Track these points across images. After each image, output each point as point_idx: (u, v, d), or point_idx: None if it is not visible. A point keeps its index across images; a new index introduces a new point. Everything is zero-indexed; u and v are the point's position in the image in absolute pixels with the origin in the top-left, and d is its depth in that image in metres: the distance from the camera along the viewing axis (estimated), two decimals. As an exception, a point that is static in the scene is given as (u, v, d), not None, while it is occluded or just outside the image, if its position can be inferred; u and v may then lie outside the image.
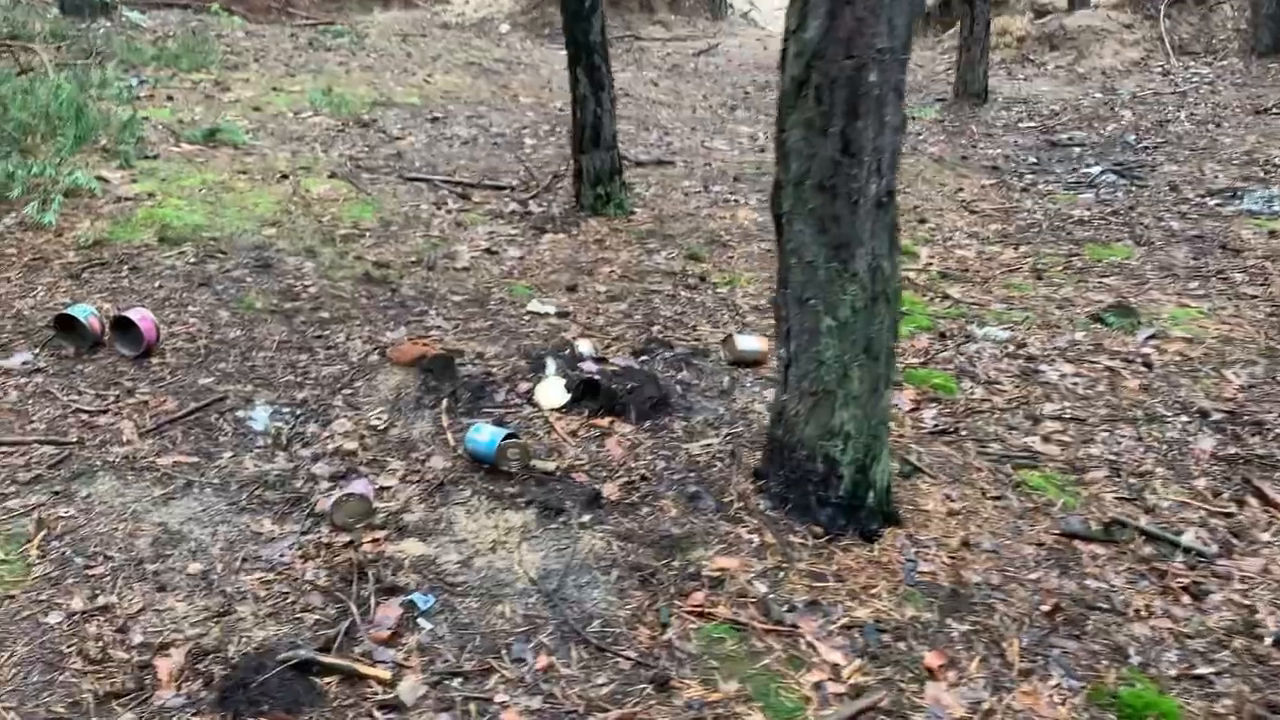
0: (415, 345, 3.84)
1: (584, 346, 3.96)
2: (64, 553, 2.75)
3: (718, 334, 4.41)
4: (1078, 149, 9.05)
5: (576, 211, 5.87)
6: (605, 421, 3.48)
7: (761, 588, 2.70)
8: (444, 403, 3.54)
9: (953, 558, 2.89)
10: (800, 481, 2.96)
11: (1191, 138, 8.79)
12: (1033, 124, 10.02)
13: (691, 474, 3.20)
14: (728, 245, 5.69)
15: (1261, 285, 5.26)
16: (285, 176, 5.94)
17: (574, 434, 3.43)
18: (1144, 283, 5.37)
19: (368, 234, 5.25)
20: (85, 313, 3.83)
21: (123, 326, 3.86)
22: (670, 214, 6.10)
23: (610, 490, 3.09)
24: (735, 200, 6.57)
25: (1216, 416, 3.89)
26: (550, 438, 3.42)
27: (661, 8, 15.43)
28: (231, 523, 2.95)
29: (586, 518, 2.94)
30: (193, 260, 4.64)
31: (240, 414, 3.52)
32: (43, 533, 2.82)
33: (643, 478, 3.17)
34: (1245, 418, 3.89)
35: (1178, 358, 4.39)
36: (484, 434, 3.17)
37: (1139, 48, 13.37)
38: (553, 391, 3.59)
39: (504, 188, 6.31)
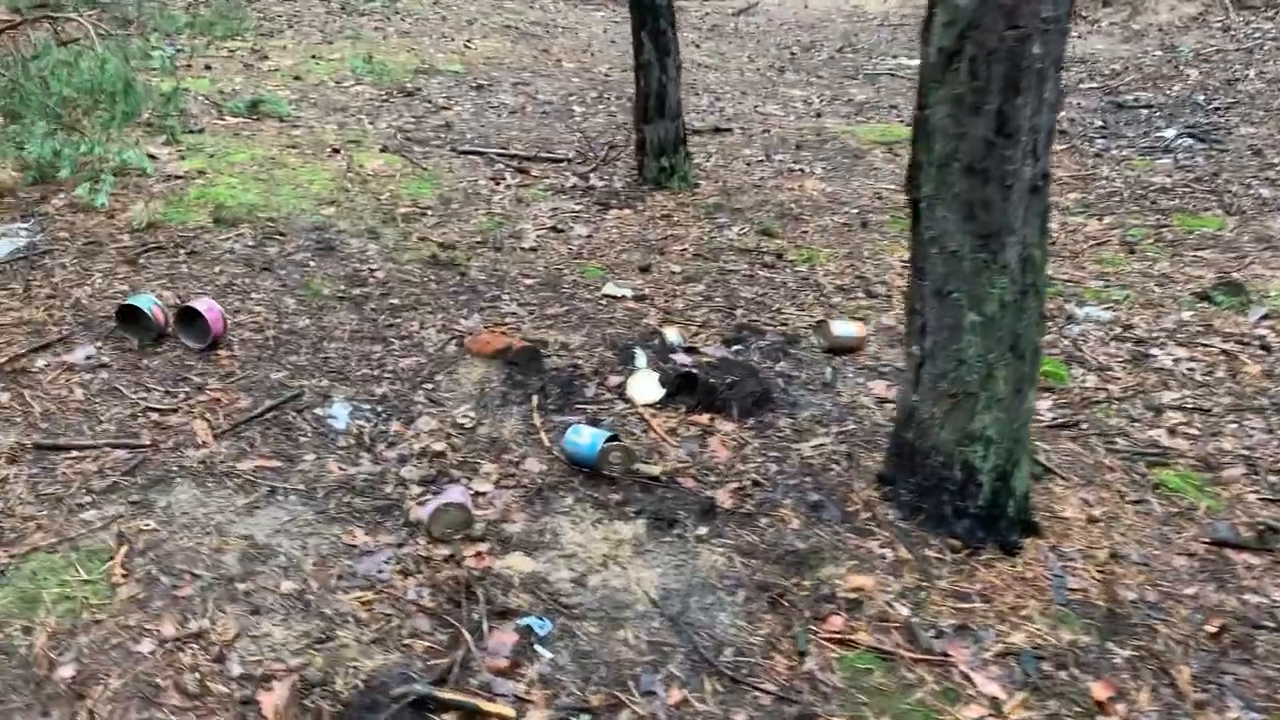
0: (496, 336, 3.63)
1: (672, 335, 3.73)
2: (149, 571, 2.56)
3: (804, 317, 4.17)
4: (1145, 111, 8.69)
5: (639, 185, 5.62)
6: (705, 418, 3.26)
7: (903, 610, 2.48)
8: (534, 399, 3.32)
9: (1102, 572, 2.67)
10: (934, 490, 2.73)
11: (1264, 97, 8.41)
12: (1094, 85, 9.65)
13: (808, 479, 2.98)
14: (800, 219, 5.43)
15: (1372, 256, 4.97)
16: (336, 151, 5.72)
17: (673, 432, 3.21)
18: (1243, 256, 5.08)
19: (429, 212, 5.02)
20: (148, 303, 3.63)
21: (188, 317, 3.66)
22: (736, 186, 5.84)
23: (722, 497, 2.87)
24: (801, 170, 6.29)
25: (1352, 406, 3.63)
26: (648, 437, 3.20)
27: (700, -33, 14.98)
28: (322, 534, 2.76)
29: (703, 530, 2.72)
30: (252, 243, 4.43)
31: (319, 412, 3.32)
32: (125, 549, 2.63)
33: (755, 483, 2.95)
34: (1381, 407, 3.63)
35: (1297, 340, 4.13)
36: (584, 436, 2.96)
37: (1196, 2, 12.88)
38: (646, 386, 3.37)
39: (561, 160, 6.05)
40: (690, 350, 3.66)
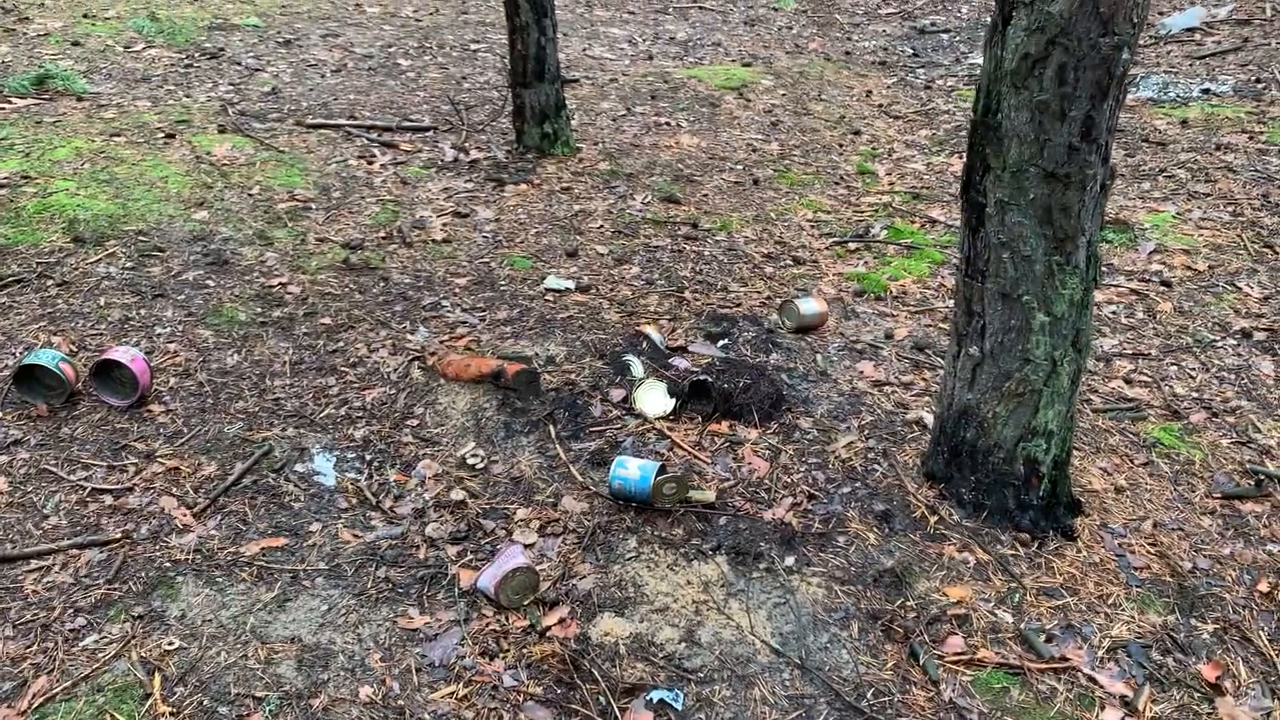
0: (475, 358, 3.33)
1: (653, 334, 3.56)
2: (200, 703, 2.20)
3: (751, 293, 4.10)
4: (945, 35, 9.08)
5: (522, 153, 5.30)
6: (724, 427, 3.14)
7: (1007, 617, 2.50)
8: (548, 429, 3.09)
9: (1153, 545, 2.79)
10: (997, 486, 2.75)
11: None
12: (891, 9, 9.96)
13: (858, 484, 2.93)
14: (693, 180, 5.31)
15: (1207, 182, 5.41)
16: (171, 137, 5.04)
17: (699, 446, 3.07)
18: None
19: (312, 206, 4.53)
20: (53, 359, 3.08)
21: (104, 370, 3.14)
22: (615, 147, 5.62)
23: (786, 515, 2.78)
24: (668, 124, 6.14)
25: (1259, 336, 3.95)
26: (677, 455, 3.05)
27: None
28: (372, 620, 2.46)
29: (790, 560, 2.63)
30: (129, 264, 3.85)
31: (300, 468, 2.95)
32: (158, 679, 2.25)
33: (810, 496, 2.88)
34: (1282, 334, 3.98)
35: (1189, 273, 4.45)
36: (631, 470, 2.77)
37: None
38: (655, 398, 3.20)
39: (426, 129, 5.61)
40: (680, 350, 3.50)
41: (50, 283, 3.67)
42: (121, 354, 3.12)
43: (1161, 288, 4.36)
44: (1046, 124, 2.34)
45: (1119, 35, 2.22)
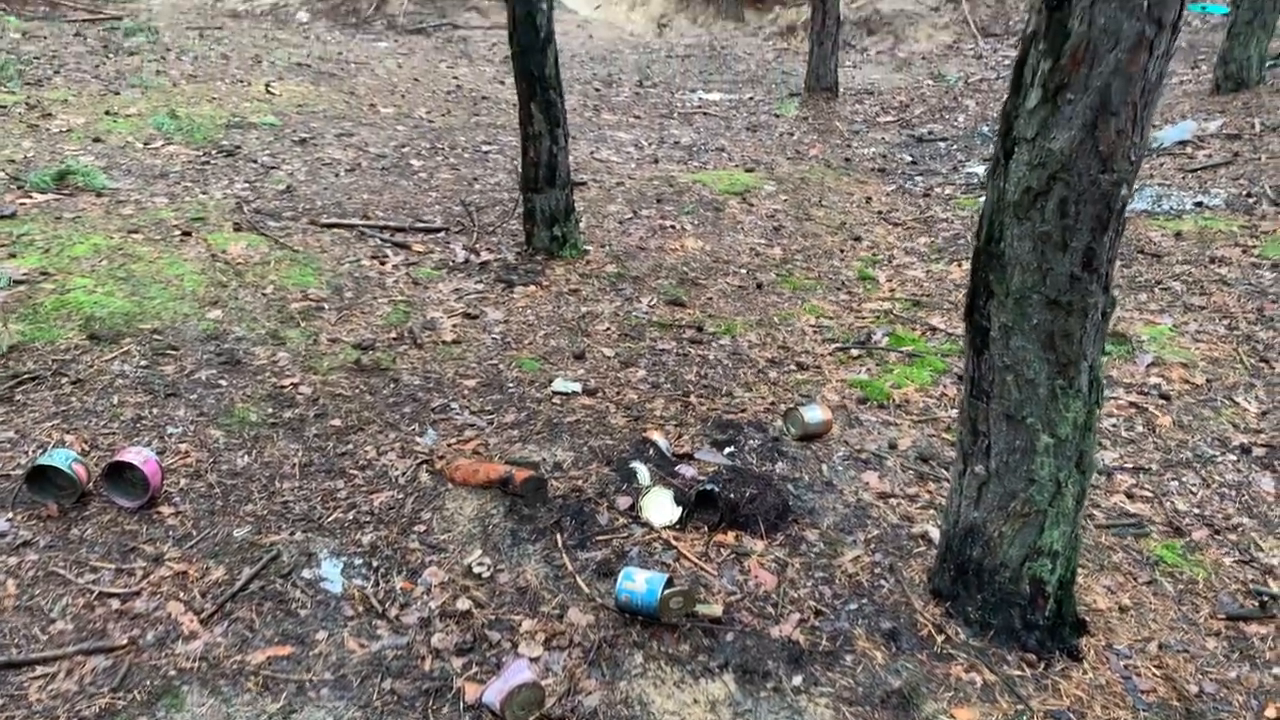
0: (483, 463, 3.36)
1: (660, 440, 3.60)
2: (203, 821, 2.18)
3: (756, 398, 4.15)
4: (942, 143, 9.31)
5: (531, 255, 5.41)
6: (730, 537, 3.16)
7: (1016, 740, 2.49)
8: (555, 537, 3.10)
9: (1159, 667, 2.79)
10: (1003, 605, 2.76)
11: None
12: (890, 118, 10.23)
13: (864, 599, 2.94)
14: (698, 284, 5.41)
15: (1202, 295, 5.51)
16: (187, 235, 5.15)
17: (705, 558, 3.09)
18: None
19: (325, 305, 4.60)
20: (66, 460, 3.11)
21: (115, 470, 3.17)
22: (622, 250, 5.74)
23: (793, 632, 2.78)
24: (672, 227, 6.27)
25: (1258, 452, 3.99)
26: (683, 566, 3.06)
27: (475, -8, 14.73)
28: (378, 735, 2.45)
29: (798, 680, 2.62)
30: (143, 362, 3.90)
31: (307, 574, 2.96)
32: (161, 796, 2.23)
33: (817, 612, 2.88)
34: (1281, 449, 4.02)
35: (1187, 386, 4.51)
36: (638, 583, 2.78)
37: (949, 31, 13.97)
38: (662, 506, 3.22)
39: (438, 230, 5.73)
40: (686, 458, 3.54)
41: (65, 380, 3.72)
42: (134, 455, 3.15)
43: (1161, 401, 4.41)
44: (1049, 254, 2.42)
45: (1118, 172, 2.31)
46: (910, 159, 8.82)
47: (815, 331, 4.99)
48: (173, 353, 3.99)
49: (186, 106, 7.70)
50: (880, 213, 7.12)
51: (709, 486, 3.23)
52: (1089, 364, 2.54)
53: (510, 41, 5.00)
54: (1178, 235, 6.36)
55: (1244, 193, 6.97)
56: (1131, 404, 4.36)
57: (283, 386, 3.86)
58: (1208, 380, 4.55)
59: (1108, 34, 2.18)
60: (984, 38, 13.74)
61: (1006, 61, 12.35)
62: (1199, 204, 6.82)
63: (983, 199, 7.10)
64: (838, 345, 4.81)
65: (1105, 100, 2.23)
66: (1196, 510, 3.63)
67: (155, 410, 3.63)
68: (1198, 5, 13.43)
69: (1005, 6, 14.60)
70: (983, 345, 2.62)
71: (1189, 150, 8.07)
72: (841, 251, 6.25)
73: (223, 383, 3.84)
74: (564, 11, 15.75)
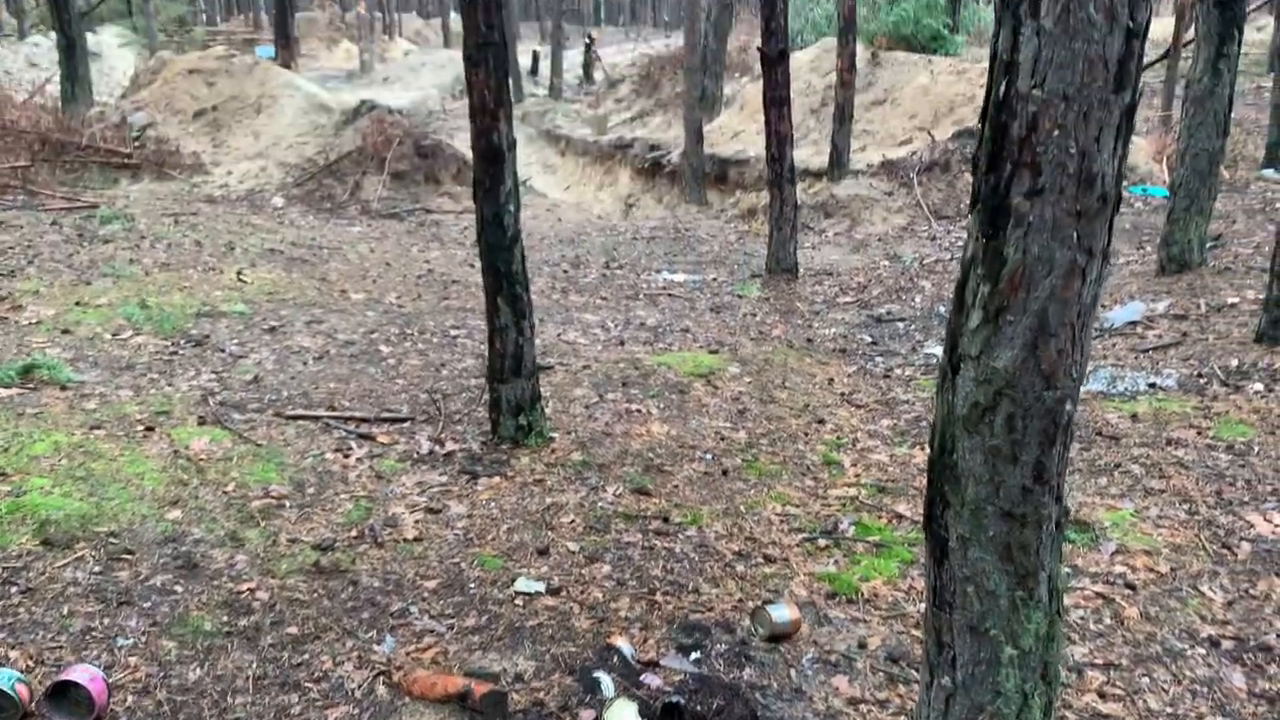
0: (441, 675, 3.28)
1: (624, 646, 3.53)
2: None
3: (724, 594, 4.11)
4: (900, 324, 9.56)
5: (497, 445, 5.43)
6: (696, 752, 3.06)
7: None
8: (515, 757, 3.00)
9: None
10: (978, 824, 2.68)
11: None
12: (849, 298, 10.52)
13: (835, 819, 2.84)
14: (663, 470, 5.42)
15: (1161, 478, 5.58)
16: (151, 430, 5.13)
17: (671, 775, 2.99)
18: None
19: (286, 503, 4.56)
20: (9, 680, 3.01)
21: (60, 690, 3.06)
22: (588, 436, 5.77)
23: None
24: (639, 411, 6.33)
25: (1227, 645, 3.97)
26: (648, 785, 2.96)
27: (446, 179, 15.23)
28: None
29: None
30: (97, 568, 3.83)
31: (255, 803, 2.82)
32: None
33: (787, 833, 2.78)
34: (1250, 642, 4.00)
35: (1152, 575, 4.51)
36: (601, 807, 2.68)
37: (903, 214, 14.54)
38: None
39: (404, 419, 5.75)
40: (652, 665, 3.47)
41: (14, 590, 3.63)
42: (80, 674, 3.05)
43: (1127, 590, 4.40)
44: (1000, 467, 2.47)
45: (1062, 389, 2.38)
46: (870, 339, 9.03)
47: (782, 520, 4.99)
48: (128, 557, 3.92)
49: (157, 295, 7.81)
50: (843, 394, 7.24)
51: (675, 699, 3.16)
52: (1048, 574, 2.56)
53: (479, 239, 5.16)
54: (1134, 417, 6.49)
55: (1195, 373, 7.16)
56: (1098, 594, 4.35)
57: (239, 592, 3.78)
58: (1172, 569, 4.56)
59: (1042, 262, 2.29)
60: (937, 220, 14.31)
61: (959, 242, 12.82)
62: (1152, 385, 7.00)
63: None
64: (805, 535, 4.80)
65: (1044, 322, 2.32)
66: (1170, 710, 3.58)
67: (106, 620, 3.54)
68: (1138, 188, 14.15)
69: (956, 190, 15.27)
70: (942, 555, 2.63)
71: (1140, 330, 8.33)
72: (806, 435, 6.31)
73: (178, 589, 3.76)
74: (534, 195, 16.30)
